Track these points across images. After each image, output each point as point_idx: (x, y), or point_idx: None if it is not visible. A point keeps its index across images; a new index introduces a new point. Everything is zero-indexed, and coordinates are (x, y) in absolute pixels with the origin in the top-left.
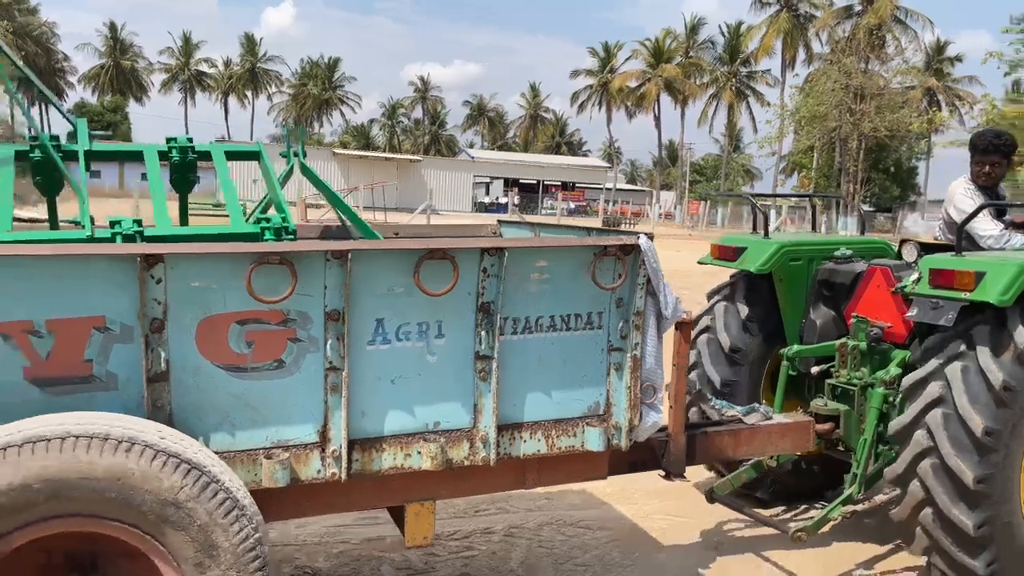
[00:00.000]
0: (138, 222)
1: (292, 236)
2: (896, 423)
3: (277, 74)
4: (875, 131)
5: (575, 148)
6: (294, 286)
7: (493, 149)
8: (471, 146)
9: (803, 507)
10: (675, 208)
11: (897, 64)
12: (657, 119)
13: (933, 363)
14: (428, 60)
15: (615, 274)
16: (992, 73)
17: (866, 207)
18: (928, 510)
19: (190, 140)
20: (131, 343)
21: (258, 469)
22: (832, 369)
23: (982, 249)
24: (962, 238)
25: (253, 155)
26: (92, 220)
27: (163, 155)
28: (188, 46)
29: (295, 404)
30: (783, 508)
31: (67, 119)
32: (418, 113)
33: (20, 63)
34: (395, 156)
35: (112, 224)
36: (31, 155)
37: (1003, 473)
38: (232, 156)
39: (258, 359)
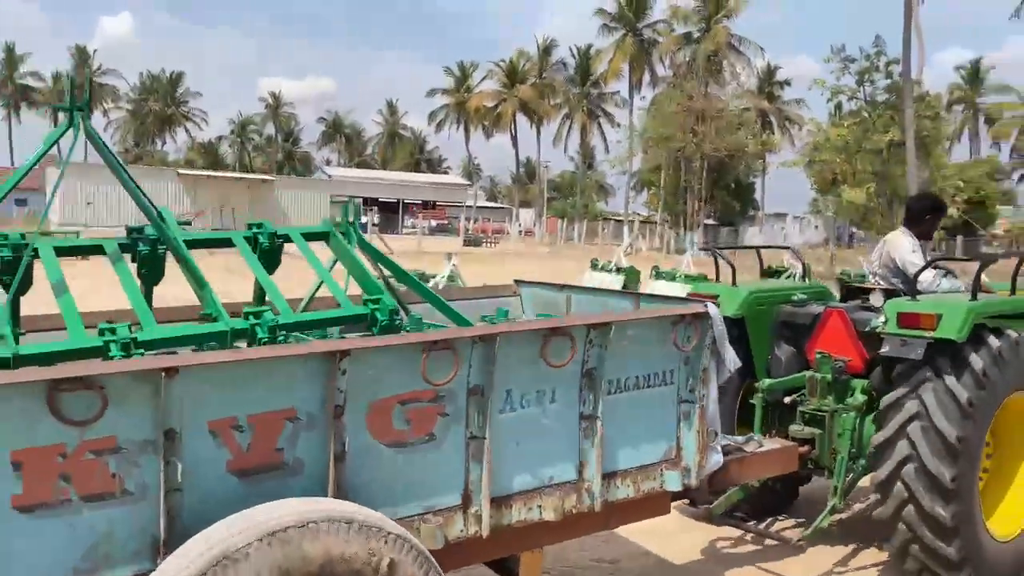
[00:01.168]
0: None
1: (399, 315)
2: (879, 436)
3: (113, 88)
4: (716, 151)
5: (435, 166)
6: (457, 368)
7: (351, 167)
8: (328, 163)
9: (774, 519)
10: (535, 225)
11: (733, 88)
12: (514, 138)
13: (906, 387)
14: (280, 74)
15: (688, 336)
16: (818, 97)
17: (710, 222)
18: (910, 507)
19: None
20: (315, 430)
21: (416, 534)
22: (801, 398)
23: (918, 289)
24: (916, 286)
25: (323, 235)
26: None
27: (248, 240)
28: (12, 58)
29: (443, 472)
30: (756, 521)
31: (153, 209)
32: (270, 130)
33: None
34: (246, 176)
35: (247, 315)
36: (139, 248)
37: (969, 473)
38: (308, 237)
39: (415, 434)
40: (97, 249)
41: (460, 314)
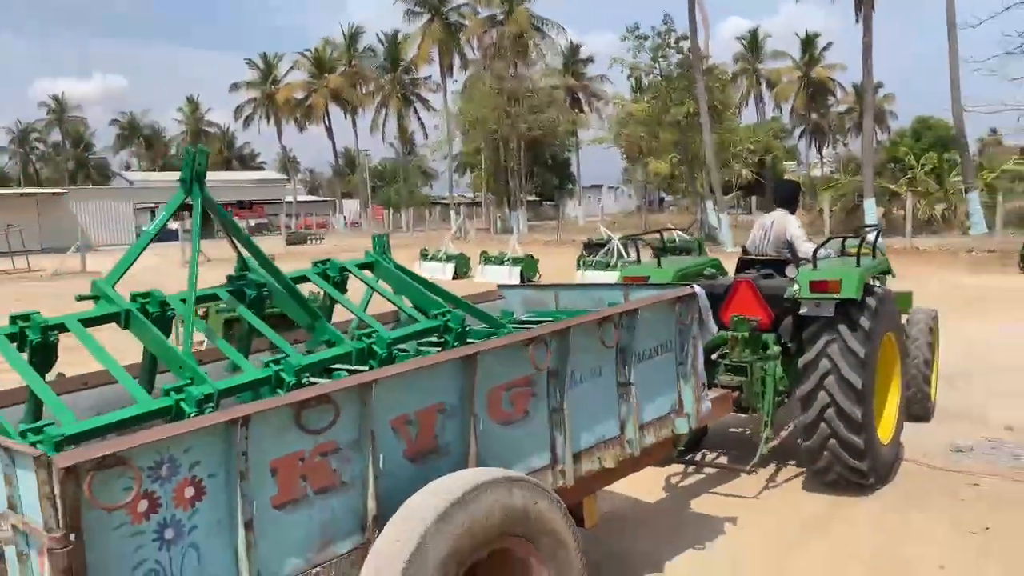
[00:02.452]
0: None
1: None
2: (803, 388)
3: None
4: (530, 130)
5: (248, 162)
6: (550, 355)
7: (154, 170)
8: (128, 168)
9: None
10: (361, 216)
11: (540, 68)
12: (329, 129)
13: (820, 343)
14: (62, 75)
15: (684, 313)
16: (621, 73)
17: (532, 198)
18: (833, 441)
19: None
20: (456, 417)
21: None
22: (725, 354)
23: (799, 259)
24: (816, 258)
25: (369, 265)
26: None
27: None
28: None
29: (536, 440)
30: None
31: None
32: (56, 136)
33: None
34: (34, 191)
35: (361, 336)
36: (247, 290)
37: (871, 407)
38: (361, 267)
39: (517, 413)
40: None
41: (493, 316)
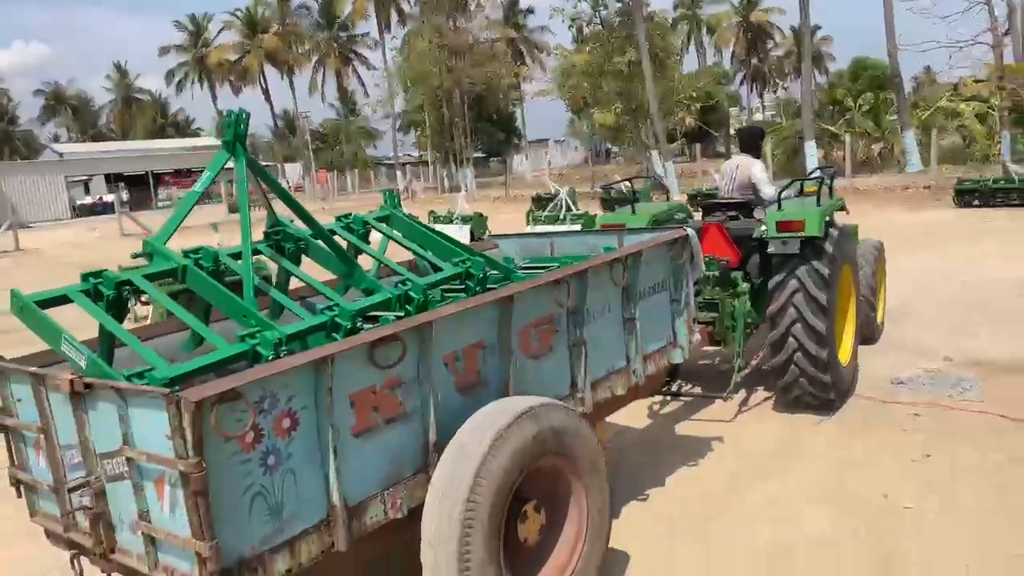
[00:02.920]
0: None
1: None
2: (773, 307)
3: None
4: (473, 85)
5: (184, 129)
6: (572, 296)
7: (85, 141)
8: (57, 140)
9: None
10: (303, 179)
11: (481, 21)
12: (265, 91)
13: (787, 273)
14: None
15: (678, 253)
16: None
17: (478, 155)
18: (799, 355)
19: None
20: (495, 354)
21: None
22: (697, 291)
23: (763, 201)
24: (781, 200)
25: (386, 218)
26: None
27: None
28: None
29: (558, 371)
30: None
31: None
32: None
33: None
34: None
35: (398, 283)
36: (285, 243)
37: (832, 325)
38: (378, 220)
39: (542, 348)
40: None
41: (502, 263)
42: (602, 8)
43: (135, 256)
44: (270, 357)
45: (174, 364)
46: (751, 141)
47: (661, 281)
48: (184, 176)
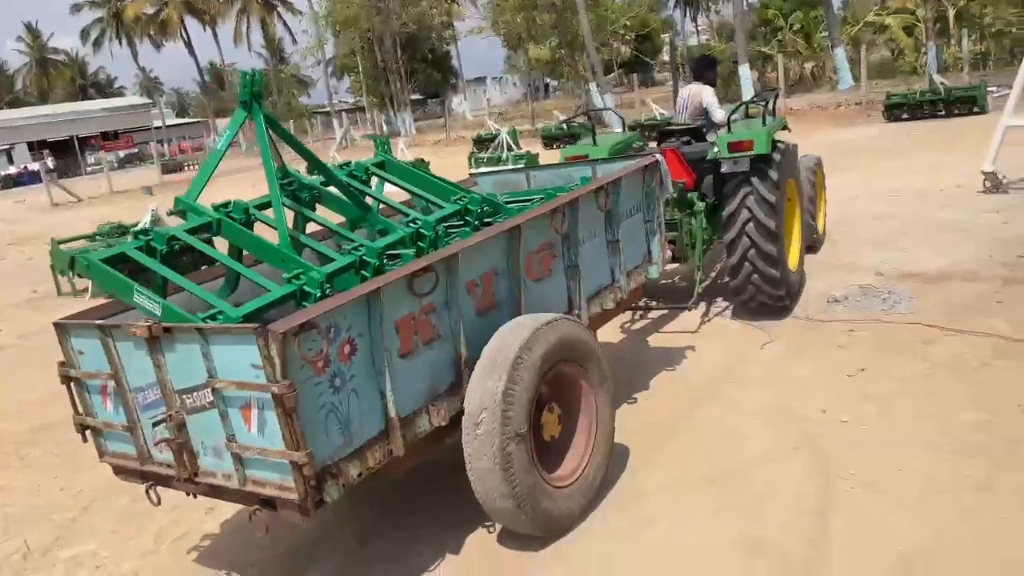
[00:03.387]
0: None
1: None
2: (728, 236)
3: None
4: (404, 26)
5: (105, 89)
6: (567, 223)
7: (3, 108)
8: None
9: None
10: (240, 135)
11: None
12: (188, 44)
13: (739, 196)
14: None
15: (651, 178)
16: None
17: (416, 97)
18: (756, 276)
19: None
20: (506, 279)
21: None
22: None
23: (715, 125)
24: (730, 123)
25: (381, 164)
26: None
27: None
28: None
29: (557, 292)
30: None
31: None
32: None
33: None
34: None
35: (409, 222)
36: (300, 193)
37: (781, 244)
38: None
39: (544, 272)
40: None
41: (493, 199)
42: None
43: (170, 214)
44: (317, 295)
45: (244, 305)
46: (702, 70)
47: (636, 204)
48: (112, 138)
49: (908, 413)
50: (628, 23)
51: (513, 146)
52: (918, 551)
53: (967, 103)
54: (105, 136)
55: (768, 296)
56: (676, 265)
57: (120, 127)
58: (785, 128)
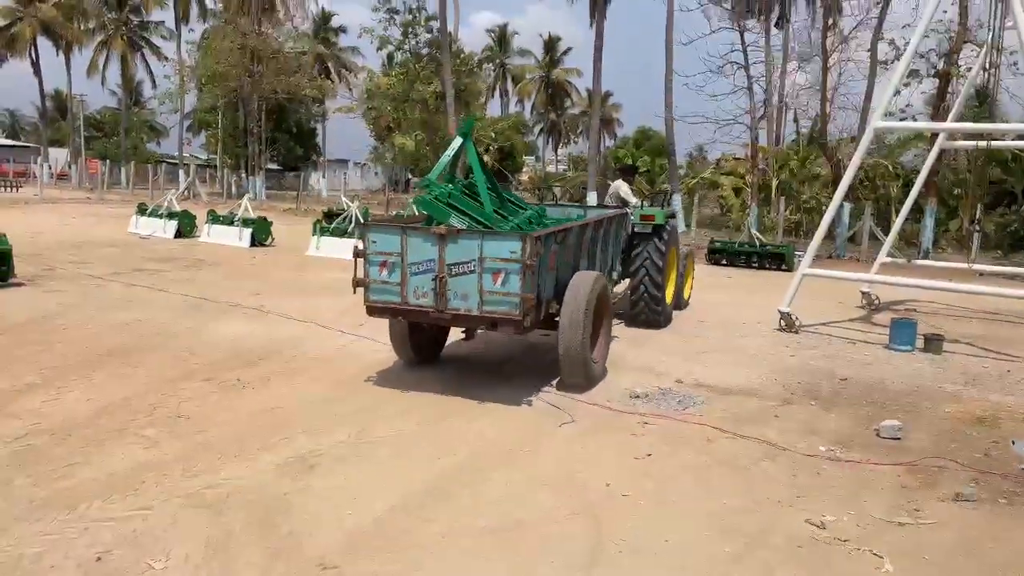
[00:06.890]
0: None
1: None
2: (632, 268)
3: None
4: (274, 93)
5: None
6: (598, 228)
7: None
8: None
9: None
10: (70, 167)
11: (289, 30)
12: (36, 65)
13: (643, 246)
14: None
15: (623, 221)
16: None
17: (273, 166)
18: (646, 295)
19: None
20: (578, 249)
21: None
22: None
23: (629, 205)
24: (642, 206)
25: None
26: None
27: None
28: None
29: (591, 263)
30: None
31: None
32: None
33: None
34: None
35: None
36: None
37: (665, 279)
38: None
39: (585, 250)
40: None
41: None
42: (412, 36)
43: (416, 187)
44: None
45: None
46: (624, 172)
47: (615, 233)
48: None
49: (683, 495)
50: (494, 135)
51: (361, 220)
52: None
53: (777, 259)
54: None
55: (651, 311)
56: None
57: None
58: (673, 216)
